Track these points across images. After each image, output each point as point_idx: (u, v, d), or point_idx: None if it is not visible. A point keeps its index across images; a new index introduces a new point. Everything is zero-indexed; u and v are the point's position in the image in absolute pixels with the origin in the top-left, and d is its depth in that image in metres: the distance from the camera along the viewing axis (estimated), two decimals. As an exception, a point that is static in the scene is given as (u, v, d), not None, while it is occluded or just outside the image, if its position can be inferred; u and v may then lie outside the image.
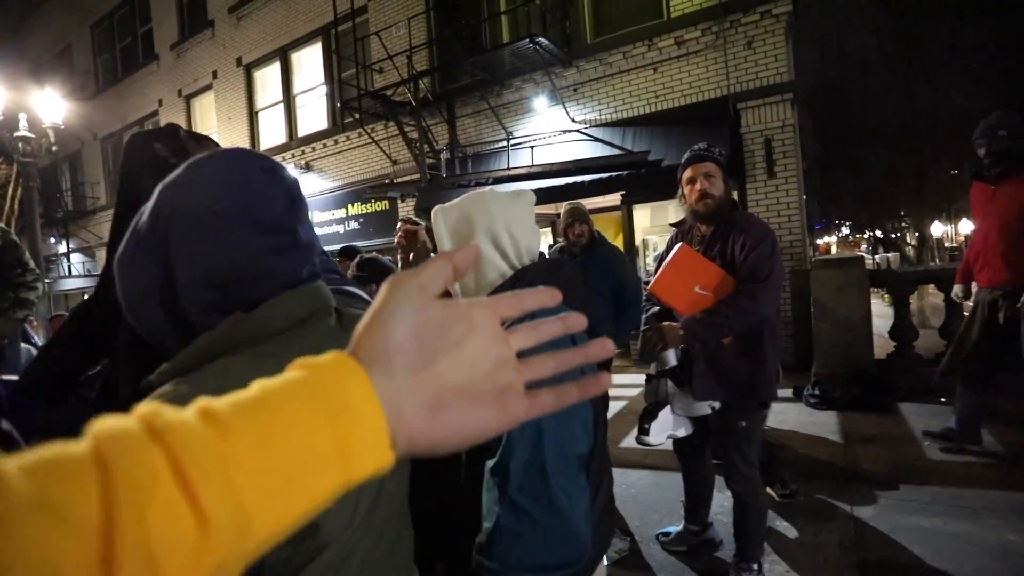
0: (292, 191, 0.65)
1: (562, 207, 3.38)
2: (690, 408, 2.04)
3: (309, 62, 10.49)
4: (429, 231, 1.88)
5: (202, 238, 0.58)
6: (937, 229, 22.98)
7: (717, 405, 2.02)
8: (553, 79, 7.18)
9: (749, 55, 6.19)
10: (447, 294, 1.24)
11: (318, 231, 11.42)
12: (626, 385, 5.31)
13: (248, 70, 11.28)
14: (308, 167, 10.26)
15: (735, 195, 2.21)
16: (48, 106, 7.41)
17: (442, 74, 8.39)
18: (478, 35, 7.79)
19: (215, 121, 11.89)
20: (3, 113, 6.37)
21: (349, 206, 9.70)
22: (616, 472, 3.46)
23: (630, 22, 6.97)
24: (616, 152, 6.78)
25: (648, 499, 3.14)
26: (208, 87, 11.97)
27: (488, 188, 1.11)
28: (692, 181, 2.07)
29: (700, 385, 2.01)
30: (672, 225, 2.31)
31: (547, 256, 3.46)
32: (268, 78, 11.15)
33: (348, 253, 4.93)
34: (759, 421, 2.10)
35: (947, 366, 3.32)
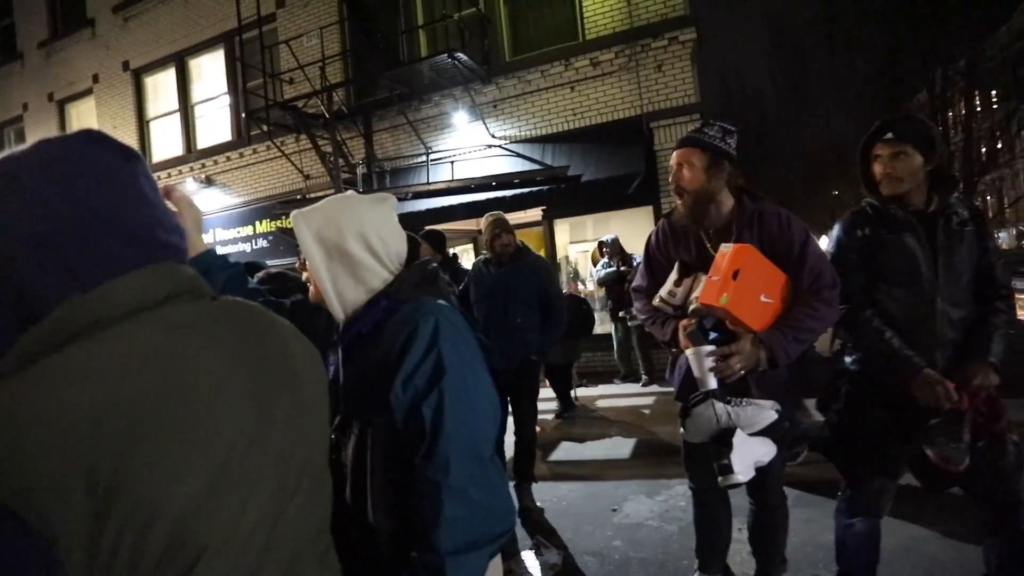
0: (127, 150, 0.60)
1: (482, 222, 3.27)
2: (756, 420, 1.61)
3: (210, 69, 9.73)
4: None
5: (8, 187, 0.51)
6: (824, 244, 25.83)
7: (779, 407, 1.64)
8: (472, 95, 7.14)
9: (659, 77, 6.51)
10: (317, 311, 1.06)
11: (221, 250, 10.70)
12: (551, 398, 5.23)
13: (137, 75, 10.26)
14: (210, 181, 9.45)
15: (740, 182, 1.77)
16: None
17: (357, 87, 8.09)
18: (395, 48, 7.61)
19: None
20: None
21: (257, 223, 9.01)
22: (545, 485, 3.41)
23: (547, 42, 7.11)
24: (536, 167, 6.83)
25: (580, 511, 3.10)
26: (88, 91, 10.73)
27: (350, 192, 1.06)
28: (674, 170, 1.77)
29: (769, 388, 1.66)
30: (665, 216, 1.91)
31: (470, 269, 3.34)
32: (161, 85, 10.20)
33: (250, 270, 4.50)
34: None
35: None
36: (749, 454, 1.56)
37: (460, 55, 6.54)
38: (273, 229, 8.86)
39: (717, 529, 1.99)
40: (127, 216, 0.54)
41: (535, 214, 7.26)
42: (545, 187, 6.45)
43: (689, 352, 1.62)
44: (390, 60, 7.23)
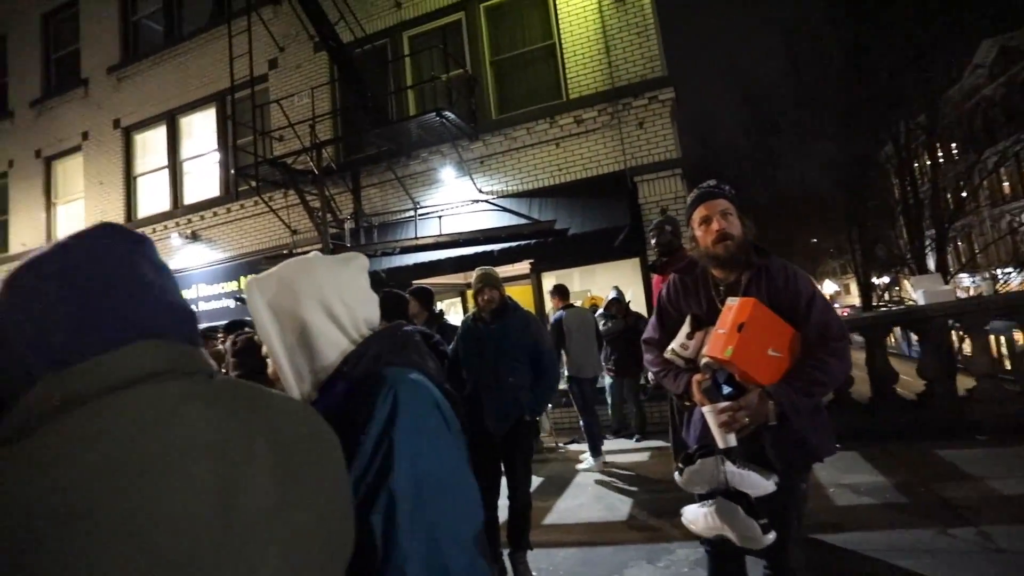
0: (134, 236, 0.62)
1: (471, 276, 3.24)
2: (756, 486, 1.60)
3: (201, 127, 9.89)
4: None
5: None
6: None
7: (778, 480, 1.62)
8: (460, 151, 7.31)
9: (641, 134, 6.75)
10: (270, 382, 0.93)
11: (204, 306, 10.12)
12: (545, 457, 5.06)
13: (127, 132, 10.38)
14: (195, 236, 9.39)
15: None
16: None
17: (347, 144, 8.25)
18: (384, 107, 7.83)
19: (82, 186, 10.66)
20: None
21: (242, 278, 8.90)
22: (540, 552, 3.21)
23: (532, 101, 7.38)
24: (523, 222, 6.91)
25: (577, 584, 2.91)
26: (76, 148, 10.80)
27: (313, 253, 0.94)
28: (707, 221, 1.75)
29: (784, 446, 1.63)
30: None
31: (457, 324, 3.27)
32: (151, 142, 10.32)
33: (231, 328, 4.36)
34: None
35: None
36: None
37: (448, 113, 6.73)
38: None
39: None
40: (112, 299, 0.54)
41: (523, 267, 7.29)
42: (532, 241, 6.50)
43: (705, 409, 1.62)
44: (379, 118, 7.42)
